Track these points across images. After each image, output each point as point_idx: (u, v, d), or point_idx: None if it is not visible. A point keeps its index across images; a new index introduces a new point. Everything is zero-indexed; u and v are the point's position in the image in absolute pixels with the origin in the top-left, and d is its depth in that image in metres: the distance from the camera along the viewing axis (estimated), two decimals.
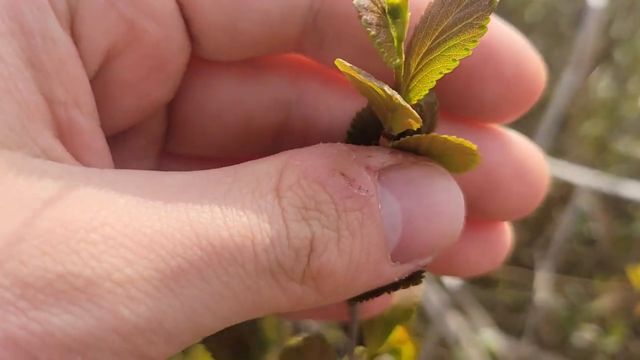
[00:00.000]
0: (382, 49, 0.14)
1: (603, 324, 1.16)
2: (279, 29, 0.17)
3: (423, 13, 0.16)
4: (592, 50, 1.55)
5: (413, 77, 0.15)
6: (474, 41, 0.15)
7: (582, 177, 1.18)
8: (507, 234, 0.21)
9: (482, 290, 1.40)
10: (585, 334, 0.96)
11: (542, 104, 1.66)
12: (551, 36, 1.87)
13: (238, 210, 0.13)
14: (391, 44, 0.15)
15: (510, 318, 1.31)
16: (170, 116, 0.19)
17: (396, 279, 0.16)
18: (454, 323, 1.00)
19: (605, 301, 1.09)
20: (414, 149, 0.16)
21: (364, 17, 0.14)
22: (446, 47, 0.15)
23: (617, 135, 1.46)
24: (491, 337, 0.80)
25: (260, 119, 0.19)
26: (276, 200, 0.14)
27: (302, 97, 0.18)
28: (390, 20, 0.14)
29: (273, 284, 0.13)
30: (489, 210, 0.20)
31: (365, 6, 0.14)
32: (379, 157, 0.16)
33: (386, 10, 0.14)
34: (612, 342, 0.90)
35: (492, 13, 0.15)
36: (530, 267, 1.43)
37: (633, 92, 1.53)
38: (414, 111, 0.15)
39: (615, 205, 1.46)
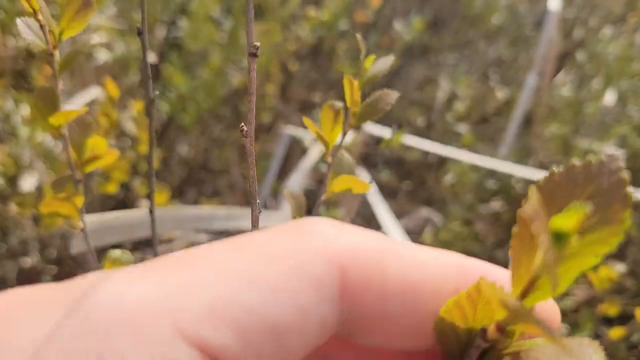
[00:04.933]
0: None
1: (574, 318, 1.19)
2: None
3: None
4: (554, 52, 1.58)
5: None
6: (617, 235, 0.14)
7: None
8: None
9: None
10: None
11: (508, 107, 1.70)
12: (515, 40, 1.91)
13: None
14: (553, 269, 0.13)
15: None
16: None
17: None
18: None
19: (575, 297, 1.11)
20: None
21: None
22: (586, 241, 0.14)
23: (582, 134, 1.50)
24: None
25: None
26: None
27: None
28: (553, 243, 0.13)
29: None
30: None
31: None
32: None
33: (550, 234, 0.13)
34: (583, 336, 0.91)
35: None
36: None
37: (595, 92, 1.57)
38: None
39: None
